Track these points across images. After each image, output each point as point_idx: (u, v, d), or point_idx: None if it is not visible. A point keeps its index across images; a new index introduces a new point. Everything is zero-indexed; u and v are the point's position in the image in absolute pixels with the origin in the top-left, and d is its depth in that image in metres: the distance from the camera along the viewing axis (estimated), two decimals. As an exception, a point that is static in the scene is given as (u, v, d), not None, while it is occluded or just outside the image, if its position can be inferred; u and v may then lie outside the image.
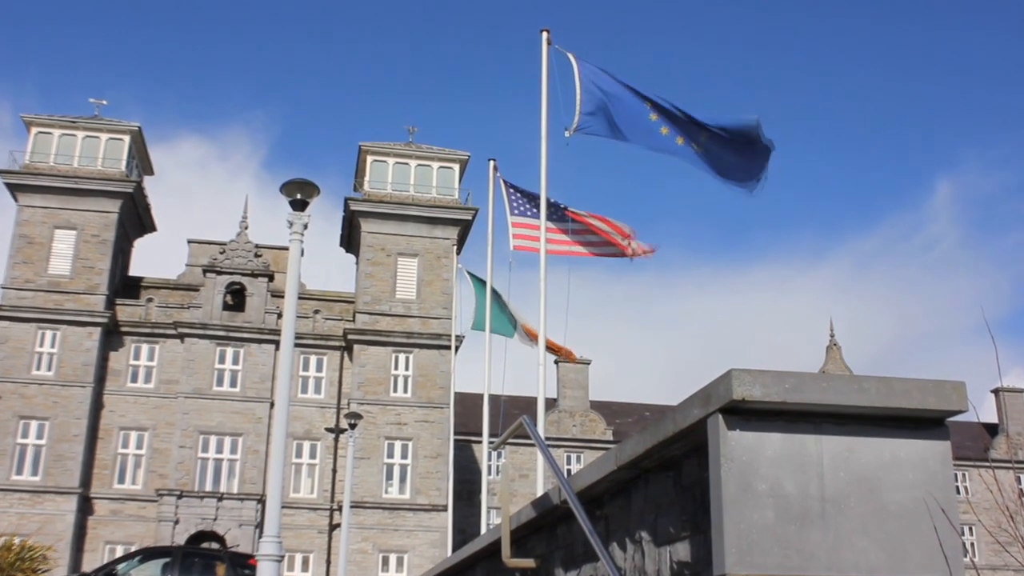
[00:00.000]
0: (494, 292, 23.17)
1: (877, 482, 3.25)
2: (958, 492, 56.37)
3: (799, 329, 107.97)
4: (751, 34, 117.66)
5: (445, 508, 42.46)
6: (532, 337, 21.70)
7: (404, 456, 44.70)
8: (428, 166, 49.35)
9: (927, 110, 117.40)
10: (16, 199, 45.47)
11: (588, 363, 55.81)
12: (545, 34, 14.42)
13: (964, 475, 55.88)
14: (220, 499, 42.36)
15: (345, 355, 46.27)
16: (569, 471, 49.79)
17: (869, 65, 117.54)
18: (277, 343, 43.05)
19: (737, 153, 12.81)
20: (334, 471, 44.51)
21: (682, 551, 3.70)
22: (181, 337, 44.78)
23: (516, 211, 17.60)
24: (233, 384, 44.55)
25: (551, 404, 53.06)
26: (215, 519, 42.10)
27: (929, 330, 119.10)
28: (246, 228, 47.55)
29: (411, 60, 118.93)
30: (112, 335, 44.55)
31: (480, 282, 25.81)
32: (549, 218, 16.33)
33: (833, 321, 61.83)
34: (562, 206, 17.00)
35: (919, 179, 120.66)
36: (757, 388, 3.17)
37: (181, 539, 41.10)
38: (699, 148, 12.79)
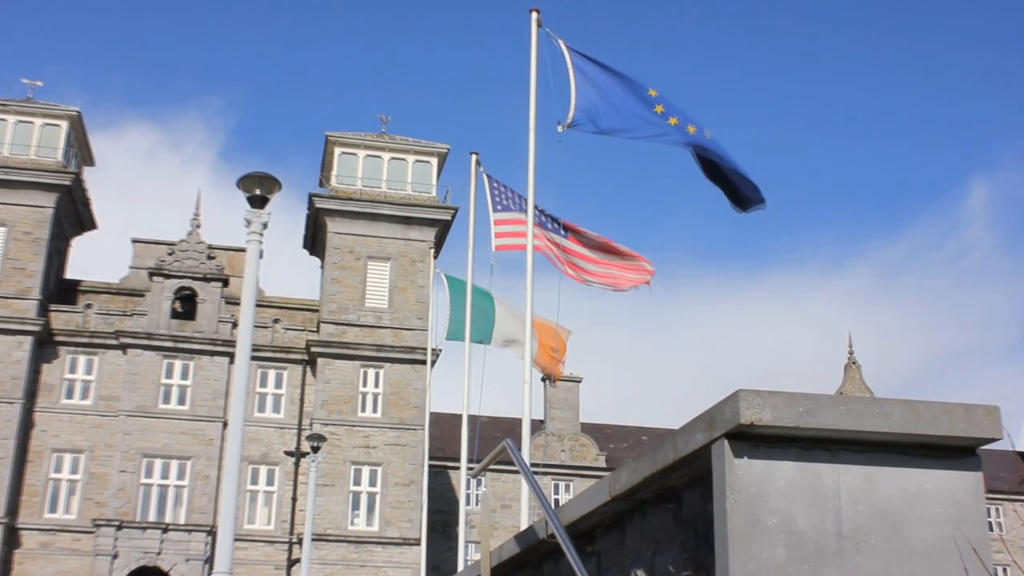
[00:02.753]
0: (478, 297, 23.06)
1: (901, 517, 3.26)
2: (991, 529, 56.80)
3: (815, 346, 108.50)
4: (766, 19, 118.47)
5: (418, 542, 42.37)
6: (537, 329, 21.14)
7: (373, 483, 44.59)
8: (403, 160, 49.36)
9: (961, 104, 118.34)
10: (-62, 191, 45.22)
11: (579, 381, 55.85)
12: (535, 14, 14.43)
13: (998, 510, 56.18)
14: (165, 531, 42.14)
15: (308, 370, 46.16)
16: (557, 501, 49.79)
17: (896, 55, 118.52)
18: (232, 356, 42.92)
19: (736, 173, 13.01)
20: (294, 500, 44.34)
21: (683, 593, 3.69)
22: (123, 348, 44.58)
23: (499, 207, 17.61)
24: (181, 401, 44.36)
25: (537, 426, 53.05)
26: (159, 553, 41.84)
27: (960, 348, 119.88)
28: (198, 227, 47.43)
29: (385, 42, 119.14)
30: (45, 345, 44.29)
31: (459, 284, 25.66)
32: (549, 229, 16.35)
33: (852, 337, 62.07)
34: (560, 221, 16.99)
35: (951, 179, 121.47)
36: (767, 411, 3.17)
37: None
38: (710, 134, 12.83)
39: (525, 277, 14.36)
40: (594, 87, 13.35)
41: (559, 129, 13.06)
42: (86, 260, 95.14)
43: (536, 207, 15.12)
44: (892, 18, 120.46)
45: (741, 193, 13.10)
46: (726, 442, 3.23)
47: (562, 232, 16.72)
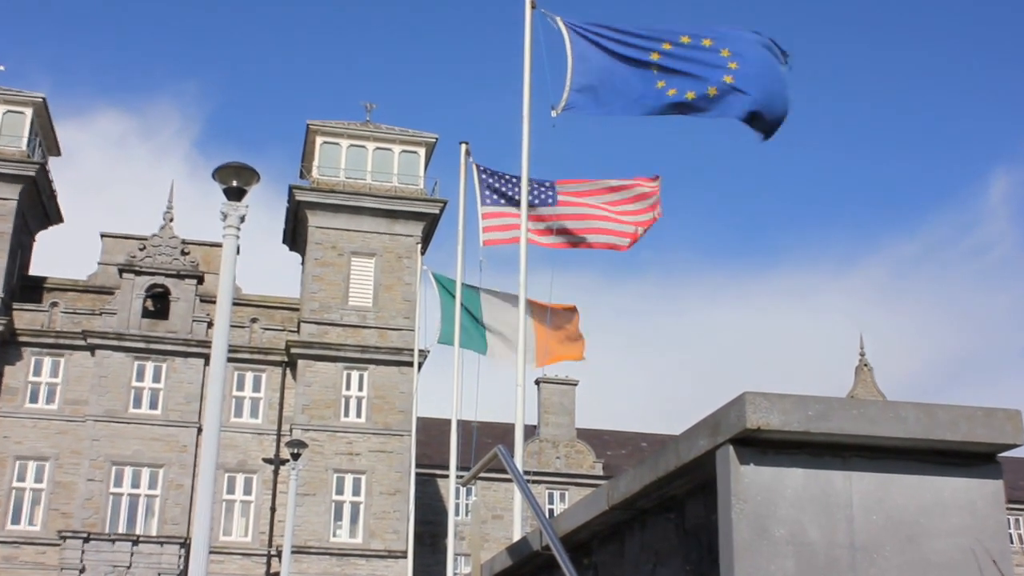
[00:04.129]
0: (471, 295, 23.10)
1: (917, 527, 3.26)
2: (1012, 540, 56.89)
3: (825, 347, 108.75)
4: (775, 4, 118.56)
5: (404, 554, 42.37)
6: (537, 307, 20.80)
7: (356, 492, 44.60)
8: (388, 150, 49.36)
9: (980, 92, 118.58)
10: None
11: (575, 384, 55.91)
12: (529, -7, 14.43)
13: (1018, 520, 56.40)
14: (136, 543, 42.08)
15: (287, 372, 46.15)
16: (552, 511, 49.78)
17: (913, 42, 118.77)
18: (207, 357, 42.86)
19: (771, 73, 12.68)
20: (273, 510, 44.33)
21: (685, 608, 3.69)
22: (91, 349, 44.51)
23: (488, 200, 17.60)
24: (153, 406, 44.31)
25: (531, 432, 53.12)
26: (129, 567, 41.78)
27: (979, 349, 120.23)
28: (171, 220, 47.37)
29: (370, 25, 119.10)
30: (8, 346, 44.19)
31: (448, 286, 25.74)
32: (531, 203, 16.25)
33: (864, 338, 62.27)
34: (548, 183, 16.93)
35: (970, 172, 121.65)
36: (775, 415, 3.17)
37: (88, 590, 40.83)
38: (715, 92, 12.68)
39: (518, 274, 14.34)
40: (592, 64, 13.28)
41: (553, 114, 13.02)
42: (51, 256, 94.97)
43: (529, 185, 15.09)
44: (908, 4, 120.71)
45: (765, 121, 12.78)
46: (731, 448, 3.23)
47: (552, 200, 16.66)
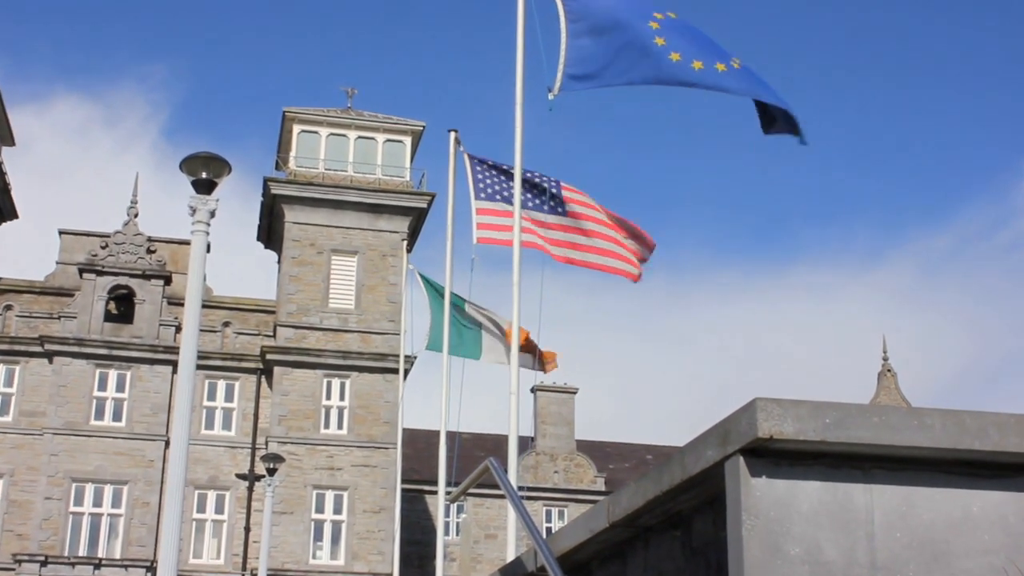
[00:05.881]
0: (456, 302, 23.17)
1: (944, 545, 3.26)
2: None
3: (846, 351, 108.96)
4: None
5: (390, 578, 42.42)
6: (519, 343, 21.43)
7: (338, 510, 44.61)
8: (371, 139, 49.40)
9: (1015, 75, 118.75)
10: None
11: (574, 392, 55.98)
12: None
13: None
14: (98, 566, 42.04)
15: (263, 380, 46.14)
16: (549, 529, 49.80)
17: (943, 25, 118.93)
18: (175, 364, 42.82)
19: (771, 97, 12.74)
20: (247, 530, 44.32)
21: (692, 634, 3.69)
22: (49, 356, 44.46)
23: (483, 194, 17.61)
24: (117, 417, 44.28)
25: (527, 444, 53.10)
26: (92, 592, 41.78)
27: (1012, 352, 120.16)
28: (136, 216, 47.34)
29: (351, 3, 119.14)
30: (-41, 353, 44.15)
31: (437, 289, 25.83)
32: (533, 207, 16.30)
33: (887, 341, 62.47)
34: (551, 181, 16.96)
35: (1005, 160, 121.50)
36: (789, 423, 3.16)
37: (47, 618, 40.79)
38: (724, 68, 12.68)
39: (512, 274, 14.36)
40: (588, 36, 13.24)
41: (550, 96, 12.97)
42: (5, 255, 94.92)
43: (524, 180, 15.10)
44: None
45: (769, 113, 12.84)
46: (741, 459, 3.23)
47: (548, 207, 16.69)
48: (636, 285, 16.94)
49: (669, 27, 13.05)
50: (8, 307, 45.50)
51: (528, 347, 21.74)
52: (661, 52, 12.83)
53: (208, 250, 13.05)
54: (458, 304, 23.54)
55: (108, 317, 45.61)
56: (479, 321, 24.27)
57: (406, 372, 41.23)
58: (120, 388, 44.72)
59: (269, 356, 45.62)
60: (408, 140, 49.83)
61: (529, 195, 16.57)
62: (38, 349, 44.54)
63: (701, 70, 12.71)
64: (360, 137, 49.35)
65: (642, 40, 13.00)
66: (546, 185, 16.96)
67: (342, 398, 45.79)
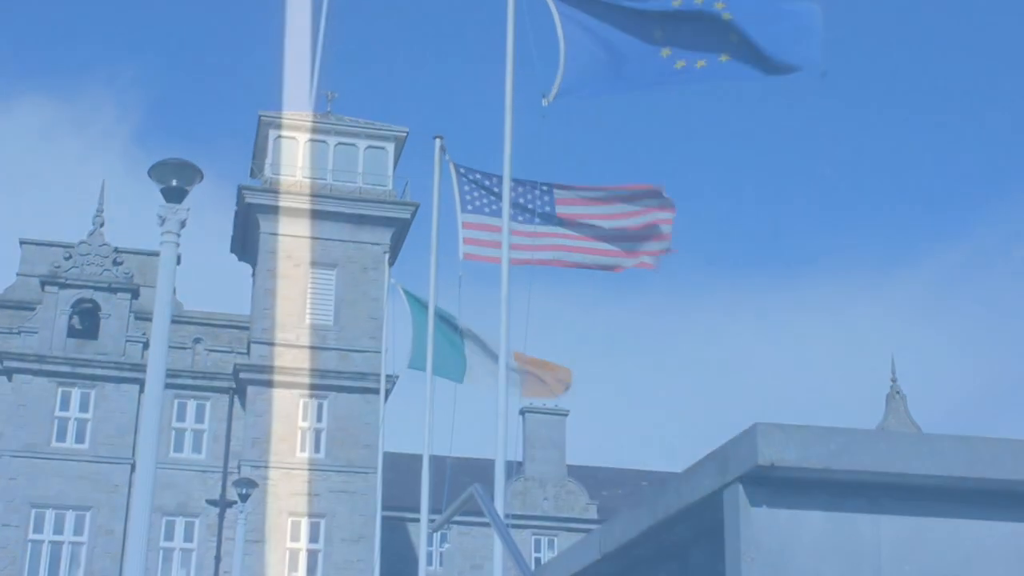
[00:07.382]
0: (441, 318, 23.16)
1: (955, 580, 3.25)
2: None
3: (853, 371, 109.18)
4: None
5: (369, 611, 42.34)
6: (523, 364, 21.56)
7: (315, 539, 44.52)
8: (352, 145, 49.43)
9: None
10: None
11: (565, 415, 55.94)
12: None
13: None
14: (59, 597, 41.92)
15: (236, 401, 46.08)
16: (538, 560, 49.74)
17: (959, 31, 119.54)
18: (142, 383, 42.70)
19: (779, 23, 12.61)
20: (217, 559, 44.21)
21: (688, 673, 3.68)
22: (8, 374, 44.36)
23: (469, 207, 17.60)
24: (80, 439, 44.18)
25: (515, 469, 53.02)
26: (51, 625, 41.67)
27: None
28: (102, 225, 47.30)
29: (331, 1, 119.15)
30: (-87, 370, 44.06)
31: (420, 304, 25.81)
32: (524, 220, 16.29)
33: (896, 361, 62.51)
34: (543, 187, 16.94)
35: (1020, 174, 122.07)
36: (791, 449, 3.16)
37: (4, 652, 40.68)
38: (727, 57, 12.65)
39: (500, 290, 14.36)
40: (586, 40, 13.24)
41: (544, 102, 12.98)
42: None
43: (514, 189, 15.09)
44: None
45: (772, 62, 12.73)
46: (741, 487, 3.23)
47: (539, 220, 16.67)
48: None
49: (672, 25, 13.06)
50: (-35, 321, 45.41)
51: (537, 367, 21.79)
52: (667, 63, 12.85)
53: (178, 262, 13.05)
54: (448, 319, 23.51)
55: (71, 332, 45.52)
56: (474, 335, 24.24)
57: (387, 392, 41.16)
58: (84, 408, 44.61)
59: (242, 375, 45.54)
60: (391, 147, 49.87)
61: (519, 208, 16.55)
62: (-4, 366, 44.48)
63: (704, 68, 12.72)
64: (340, 144, 49.37)
65: (643, 49, 13.02)
66: (538, 192, 16.94)
67: (319, 420, 45.72)
